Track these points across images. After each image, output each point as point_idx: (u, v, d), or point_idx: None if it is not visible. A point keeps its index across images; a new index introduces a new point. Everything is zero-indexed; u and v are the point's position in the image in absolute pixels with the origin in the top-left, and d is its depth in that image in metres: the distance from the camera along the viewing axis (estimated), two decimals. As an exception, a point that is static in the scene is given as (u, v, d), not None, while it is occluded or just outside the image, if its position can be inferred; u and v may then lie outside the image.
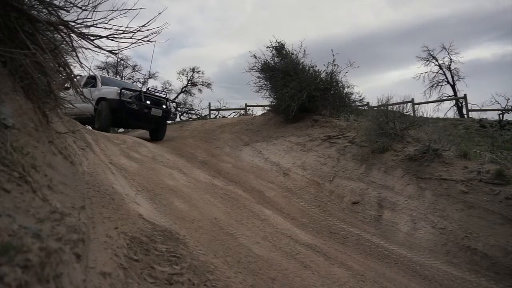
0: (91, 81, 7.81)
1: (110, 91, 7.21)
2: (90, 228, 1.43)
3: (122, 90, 6.98)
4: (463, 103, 13.51)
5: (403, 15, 46.36)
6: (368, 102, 10.17)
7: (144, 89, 8.07)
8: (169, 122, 9.02)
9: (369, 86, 34.03)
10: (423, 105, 12.61)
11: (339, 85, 7.67)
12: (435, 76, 17.20)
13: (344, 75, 7.65)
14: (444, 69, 16.99)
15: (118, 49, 2.21)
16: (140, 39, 2.15)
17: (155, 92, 7.93)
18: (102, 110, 6.97)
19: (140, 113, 7.06)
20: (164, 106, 7.67)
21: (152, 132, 8.25)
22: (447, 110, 15.34)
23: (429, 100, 15.69)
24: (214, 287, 1.56)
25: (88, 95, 6.91)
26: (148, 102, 7.23)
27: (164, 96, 8.17)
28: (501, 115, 9.02)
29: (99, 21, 2.00)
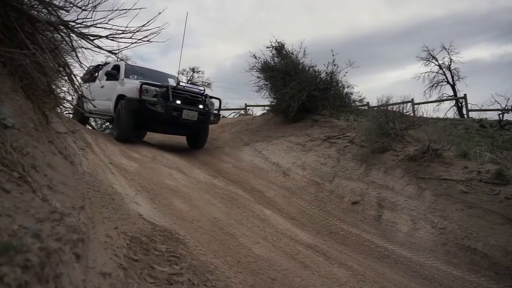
0: (114, 72, 6.20)
1: (130, 87, 5.59)
2: (90, 228, 1.43)
3: (144, 86, 5.33)
4: (463, 103, 13.51)
5: (399, 16, 46.47)
6: (368, 102, 10.18)
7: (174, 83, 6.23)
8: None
9: (366, 87, 34.12)
10: (423, 105, 12.63)
11: (339, 85, 7.67)
12: (435, 76, 17.23)
13: (344, 75, 7.66)
14: (444, 69, 17.01)
15: (118, 49, 2.22)
16: (140, 39, 2.15)
17: (189, 87, 6.01)
18: (120, 113, 5.50)
19: (168, 117, 5.39)
20: (201, 106, 5.85)
21: (189, 138, 6.64)
22: (447, 110, 15.33)
23: (429, 100, 15.70)
24: (214, 287, 1.56)
25: (110, 90, 6.05)
26: (178, 101, 5.54)
27: (201, 91, 6.04)
28: (501, 115, 9.00)
29: (99, 21, 2.01)
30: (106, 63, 7.30)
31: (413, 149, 4.40)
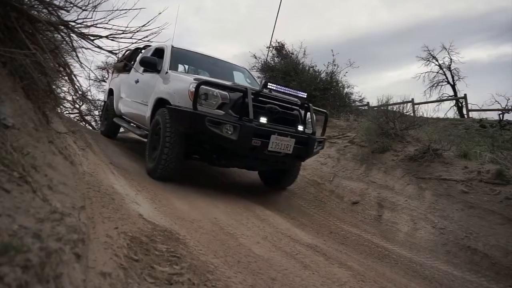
0: (153, 59, 3.88)
1: (178, 88, 3.33)
2: (90, 228, 1.43)
3: (202, 88, 3.03)
4: (463, 103, 13.53)
5: (396, 16, 46.59)
6: (368, 102, 10.18)
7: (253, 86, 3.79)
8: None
9: (364, 87, 34.43)
10: (423, 105, 12.69)
11: (339, 85, 7.69)
12: (435, 76, 17.26)
13: (344, 75, 7.68)
14: (444, 69, 17.04)
15: (118, 49, 2.22)
16: (140, 39, 2.16)
17: (284, 92, 3.29)
18: (161, 131, 3.28)
19: (244, 148, 3.11)
20: (300, 128, 3.45)
21: (269, 174, 4.25)
22: (447, 110, 15.37)
23: (429, 100, 15.74)
24: (214, 287, 1.56)
25: (147, 87, 3.96)
26: (263, 119, 3.19)
27: (303, 99, 3.50)
28: (501, 115, 9.00)
29: (99, 21, 2.01)
30: (147, 46, 4.75)
31: (413, 149, 4.40)
